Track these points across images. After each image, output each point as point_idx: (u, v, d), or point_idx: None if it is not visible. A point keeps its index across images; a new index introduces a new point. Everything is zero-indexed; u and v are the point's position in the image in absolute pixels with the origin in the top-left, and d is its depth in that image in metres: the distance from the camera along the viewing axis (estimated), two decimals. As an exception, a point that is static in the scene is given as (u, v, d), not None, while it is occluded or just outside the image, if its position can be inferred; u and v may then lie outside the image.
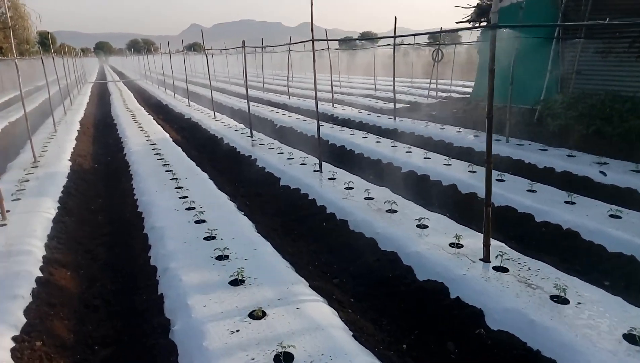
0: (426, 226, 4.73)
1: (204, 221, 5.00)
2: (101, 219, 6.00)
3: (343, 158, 8.75)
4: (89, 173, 8.34)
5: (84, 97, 21.37)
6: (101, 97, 23.24)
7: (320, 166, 7.04)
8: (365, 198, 5.67)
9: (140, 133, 11.08)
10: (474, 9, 12.69)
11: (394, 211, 5.20)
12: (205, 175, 7.18)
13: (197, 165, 8.03)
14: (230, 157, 9.31)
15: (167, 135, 11.05)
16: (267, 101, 18.19)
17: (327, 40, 11.93)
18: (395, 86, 21.67)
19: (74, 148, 9.89)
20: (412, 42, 24.72)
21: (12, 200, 5.92)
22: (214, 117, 13.45)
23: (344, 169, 7.32)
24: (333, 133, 10.34)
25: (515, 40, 8.38)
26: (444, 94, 16.94)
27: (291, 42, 10.70)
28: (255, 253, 4.20)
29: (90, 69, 56.41)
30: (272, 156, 8.34)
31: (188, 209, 5.43)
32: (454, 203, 5.94)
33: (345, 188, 6.13)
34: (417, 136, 10.12)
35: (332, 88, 14.90)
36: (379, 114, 13.10)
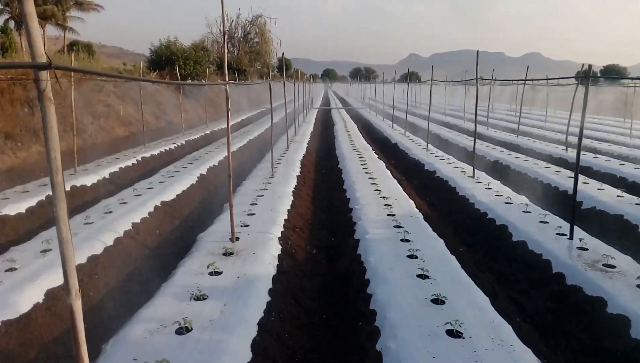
0: None
1: None
2: None
3: None
4: (303, 275, 5.09)
5: (309, 126, 19.98)
6: (325, 127, 21.66)
7: None
8: None
9: (374, 196, 7.66)
10: None
11: None
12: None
13: (492, 301, 4.00)
14: (552, 293, 4.73)
15: (412, 203, 7.35)
16: (531, 151, 13.17)
17: None
18: None
19: (289, 210, 7.02)
20: None
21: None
22: (473, 177, 9.25)
23: None
24: None
25: None
26: None
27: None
28: None
29: (316, 94, 59.37)
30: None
31: None
32: None
33: None
34: None
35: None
36: None
